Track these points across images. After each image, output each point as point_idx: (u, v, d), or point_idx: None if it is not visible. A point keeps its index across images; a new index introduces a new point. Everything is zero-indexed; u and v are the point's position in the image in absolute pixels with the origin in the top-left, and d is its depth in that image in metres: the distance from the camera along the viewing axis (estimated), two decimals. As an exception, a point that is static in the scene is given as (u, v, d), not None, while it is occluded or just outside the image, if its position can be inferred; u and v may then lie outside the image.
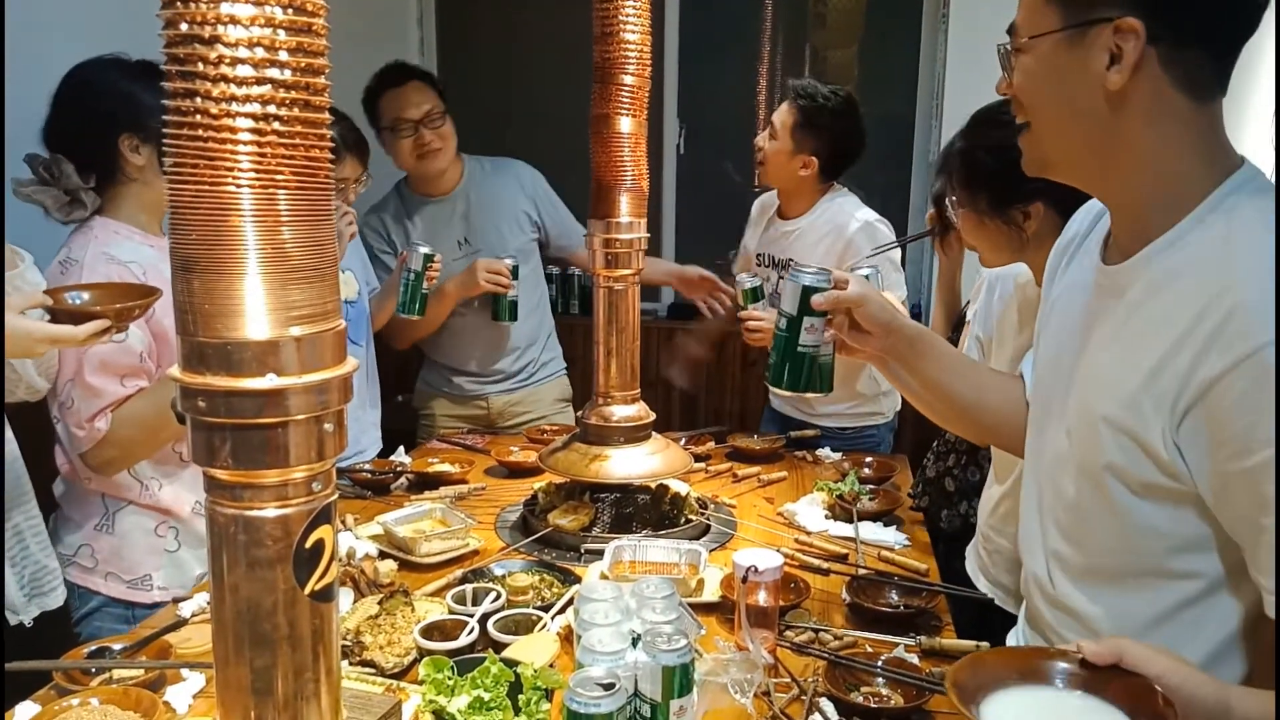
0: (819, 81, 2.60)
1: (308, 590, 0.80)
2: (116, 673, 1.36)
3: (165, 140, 0.72)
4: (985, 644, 1.46)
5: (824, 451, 2.51)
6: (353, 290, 2.42)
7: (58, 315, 1.43)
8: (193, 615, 1.56)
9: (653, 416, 2.05)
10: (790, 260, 2.44)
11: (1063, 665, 0.88)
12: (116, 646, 1.43)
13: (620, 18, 1.86)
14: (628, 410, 2.01)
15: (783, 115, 2.55)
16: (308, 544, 0.80)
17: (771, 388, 1.49)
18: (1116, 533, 1.05)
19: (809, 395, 1.48)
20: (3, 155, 1.65)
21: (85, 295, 1.49)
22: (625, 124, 1.91)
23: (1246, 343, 0.89)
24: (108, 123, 1.68)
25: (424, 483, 2.26)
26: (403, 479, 2.28)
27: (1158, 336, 0.98)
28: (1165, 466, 0.97)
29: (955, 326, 2.27)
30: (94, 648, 1.42)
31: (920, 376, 1.38)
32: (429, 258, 2.44)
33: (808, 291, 1.38)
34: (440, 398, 2.87)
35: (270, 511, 0.78)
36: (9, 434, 1.61)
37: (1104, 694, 0.84)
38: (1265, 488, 0.89)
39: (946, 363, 1.39)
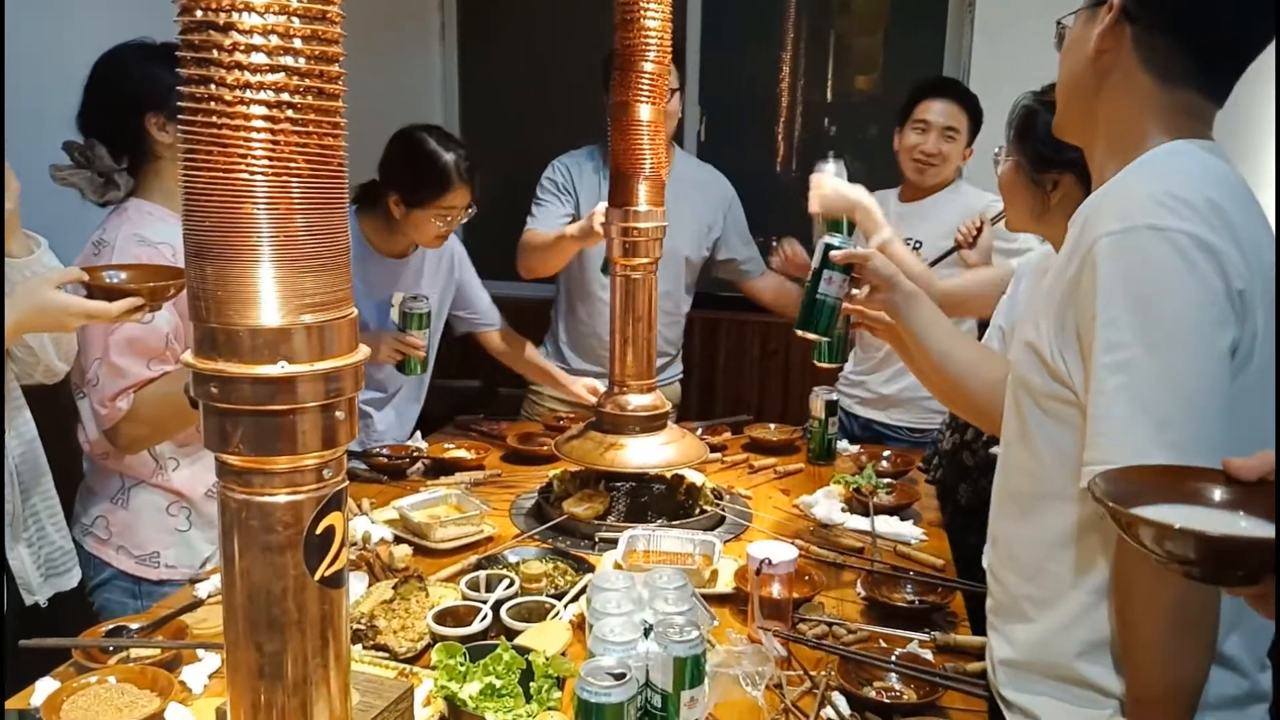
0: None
1: (317, 576, 0.81)
2: (134, 652, 1.38)
3: (180, 127, 0.72)
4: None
5: (842, 444, 2.50)
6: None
7: (93, 292, 1.46)
8: (209, 596, 1.57)
9: (668, 405, 2.05)
10: (916, 240, 2.55)
11: (1214, 486, 0.76)
12: (134, 626, 1.45)
13: (641, 4, 1.85)
14: (643, 399, 2.01)
15: (959, 117, 2.55)
16: (318, 530, 0.80)
17: (797, 330, 1.68)
18: (1028, 452, 1.13)
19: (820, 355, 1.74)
20: (2, 148, 1.68)
21: (121, 275, 1.53)
22: (645, 111, 1.90)
23: (1089, 238, 1.00)
24: (133, 103, 1.71)
25: (440, 468, 2.27)
26: (419, 464, 2.29)
27: (1063, 258, 1.08)
28: (1054, 373, 1.06)
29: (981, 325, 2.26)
30: (112, 626, 1.44)
31: (911, 335, 1.52)
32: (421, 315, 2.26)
33: (828, 247, 1.60)
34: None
35: (281, 498, 0.78)
36: (28, 416, 1.63)
37: (1261, 514, 0.73)
38: (1091, 364, 0.97)
39: (939, 326, 1.53)
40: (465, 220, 2.28)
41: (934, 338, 1.53)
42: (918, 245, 2.57)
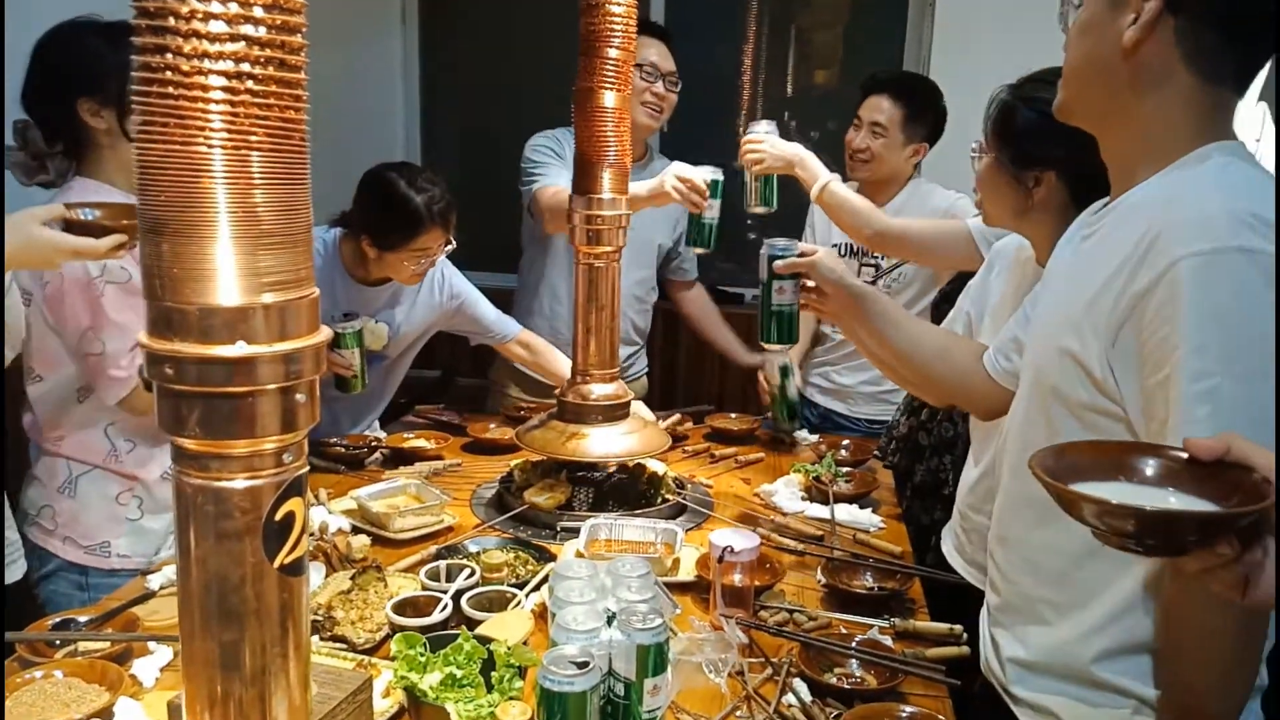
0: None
1: (277, 564, 0.79)
2: (82, 645, 1.34)
3: (134, 98, 0.69)
4: (959, 626, 1.47)
5: (802, 434, 2.51)
6: (381, 340, 2.31)
7: (73, 230, 1.41)
8: (161, 588, 1.54)
9: (630, 395, 2.04)
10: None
11: (1156, 461, 0.79)
12: (82, 619, 1.41)
13: (607, -11, 1.83)
14: (606, 389, 2.00)
15: (887, 113, 2.53)
16: (277, 516, 0.78)
17: (762, 343, 1.77)
18: None
19: (777, 346, 1.78)
20: (2, 146, 1.63)
21: (96, 212, 1.47)
22: (609, 98, 1.89)
23: (1166, 257, 0.96)
24: (65, 86, 1.65)
25: (399, 458, 2.25)
26: (377, 454, 2.26)
27: (1105, 264, 1.05)
28: (1101, 386, 1.03)
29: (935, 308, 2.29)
30: (59, 619, 1.40)
31: (871, 331, 1.57)
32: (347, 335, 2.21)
33: (771, 259, 1.67)
34: (521, 378, 2.79)
35: (239, 483, 0.76)
36: None
37: (1200, 492, 0.76)
38: (1174, 391, 0.94)
39: (895, 319, 1.56)
40: (443, 255, 2.24)
41: (895, 330, 1.55)
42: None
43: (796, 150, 2.16)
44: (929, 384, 1.59)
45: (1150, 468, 0.79)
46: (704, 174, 2.17)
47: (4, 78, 1.55)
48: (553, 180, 2.51)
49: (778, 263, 1.65)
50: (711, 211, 2.17)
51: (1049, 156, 1.51)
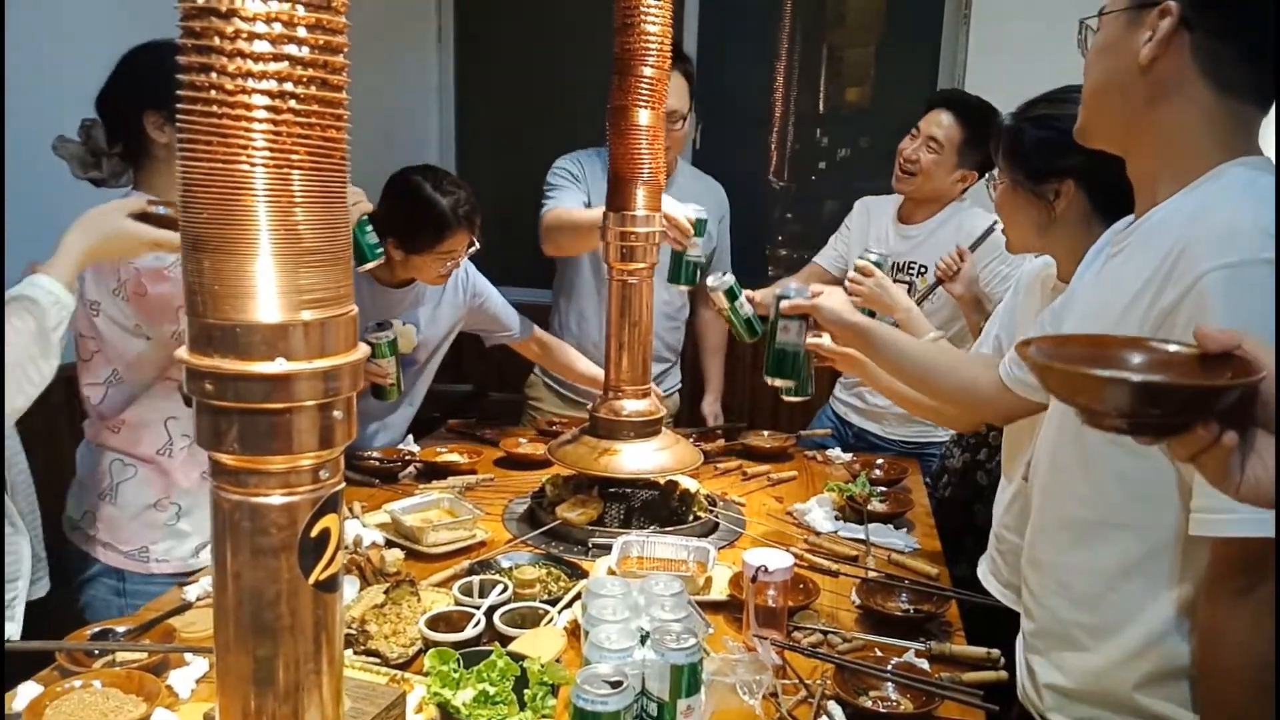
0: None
1: (312, 580, 0.79)
2: (120, 655, 1.35)
3: (178, 116, 0.70)
4: (996, 651, 1.44)
5: (834, 452, 2.49)
6: (411, 342, 2.35)
7: (150, 223, 1.50)
8: (198, 599, 1.55)
9: (663, 411, 2.04)
10: (920, 264, 2.54)
11: (1158, 351, 0.77)
12: (120, 629, 1.42)
13: (641, 9, 1.84)
14: (638, 405, 1.99)
15: (946, 129, 2.47)
16: (313, 533, 0.78)
17: (766, 378, 1.87)
18: (1086, 480, 1.11)
19: (788, 391, 1.87)
20: (3, 151, 1.67)
21: (169, 209, 1.55)
22: (644, 116, 1.89)
23: (1193, 271, 0.96)
24: (135, 97, 1.71)
25: (432, 472, 2.25)
26: (411, 468, 2.27)
27: (1131, 281, 1.06)
28: None
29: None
30: (98, 629, 1.42)
31: (882, 361, 1.63)
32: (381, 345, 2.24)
33: (778, 299, 1.78)
34: (553, 394, 2.83)
35: (276, 499, 0.77)
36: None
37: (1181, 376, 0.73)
38: None
39: (902, 345, 1.61)
40: (467, 256, 2.27)
41: (903, 355, 1.59)
42: (922, 270, 2.56)
43: (902, 300, 2.09)
44: (945, 399, 1.61)
45: (1149, 356, 0.77)
46: (688, 211, 2.16)
47: (4, 81, 1.59)
48: (563, 203, 2.54)
49: (784, 303, 1.77)
50: (695, 250, 2.19)
51: (1064, 166, 1.52)
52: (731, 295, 2.25)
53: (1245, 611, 0.93)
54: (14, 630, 1.57)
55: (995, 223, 2.12)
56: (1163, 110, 1.07)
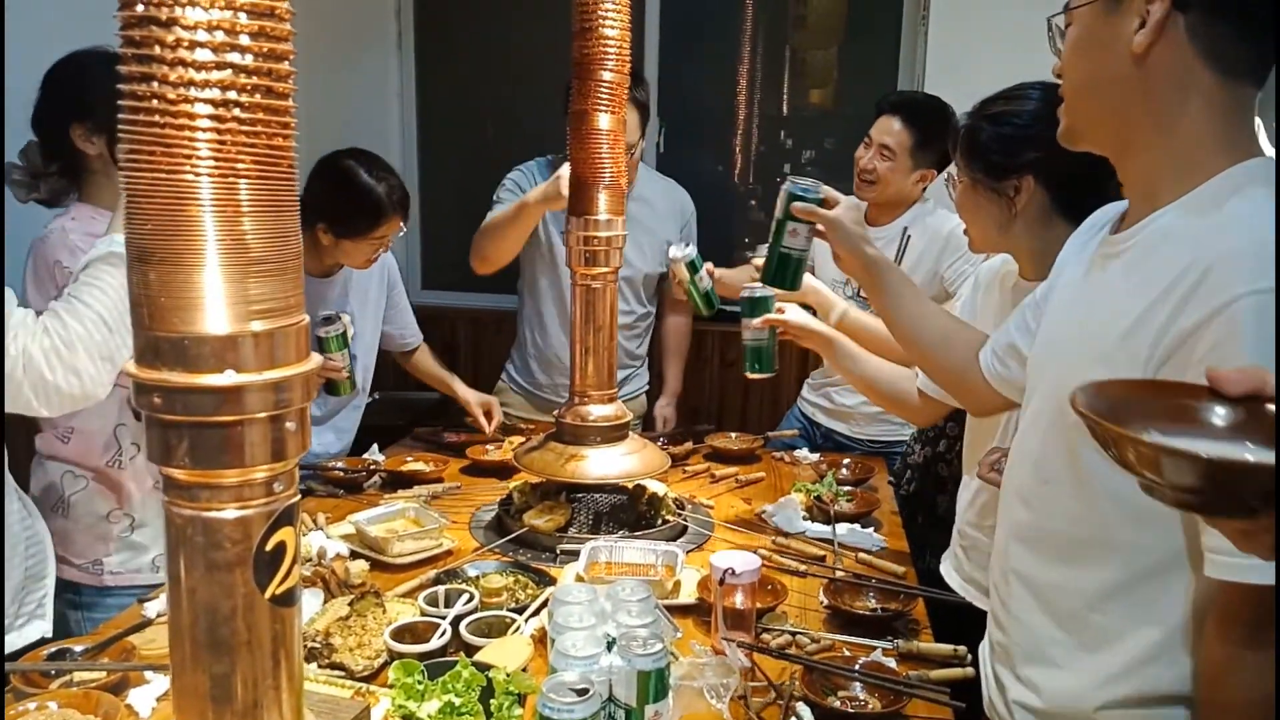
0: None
1: (268, 594, 0.78)
2: (77, 675, 1.32)
3: (121, 126, 0.69)
4: (963, 648, 1.45)
5: (802, 453, 2.50)
6: (350, 332, 2.32)
7: None
8: (158, 615, 1.52)
9: (629, 416, 2.03)
10: None
11: (1204, 407, 0.68)
12: (78, 648, 1.39)
13: (600, 13, 1.83)
14: (604, 410, 1.99)
15: (896, 135, 2.47)
16: (268, 546, 0.77)
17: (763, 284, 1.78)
18: (1077, 497, 1.06)
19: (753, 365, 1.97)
20: (2, 156, 1.64)
21: None
22: (604, 120, 1.89)
23: (1221, 295, 0.90)
24: (60, 111, 1.69)
25: (397, 481, 2.23)
26: (375, 477, 2.25)
27: (1140, 294, 0.99)
28: None
29: None
30: (54, 649, 1.39)
31: (882, 306, 1.55)
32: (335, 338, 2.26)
33: (791, 198, 1.56)
34: (522, 398, 2.83)
35: (229, 513, 0.75)
36: None
37: (1263, 440, 0.64)
38: None
39: (903, 296, 1.53)
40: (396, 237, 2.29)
41: (900, 308, 1.52)
42: None
43: (812, 284, 2.05)
44: (929, 371, 1.60)
45: (1212, 413, 0.67)
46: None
47: (4, 87, 1.56)
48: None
49: (797, 204, 1.55)
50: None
51: (1023, 162, 1.53)
52: (693, 268, 2.28)
53: (1256, 647, 0.90)
54: (46, 629, 1.56)
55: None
56: (1163, 101, 1.00)
